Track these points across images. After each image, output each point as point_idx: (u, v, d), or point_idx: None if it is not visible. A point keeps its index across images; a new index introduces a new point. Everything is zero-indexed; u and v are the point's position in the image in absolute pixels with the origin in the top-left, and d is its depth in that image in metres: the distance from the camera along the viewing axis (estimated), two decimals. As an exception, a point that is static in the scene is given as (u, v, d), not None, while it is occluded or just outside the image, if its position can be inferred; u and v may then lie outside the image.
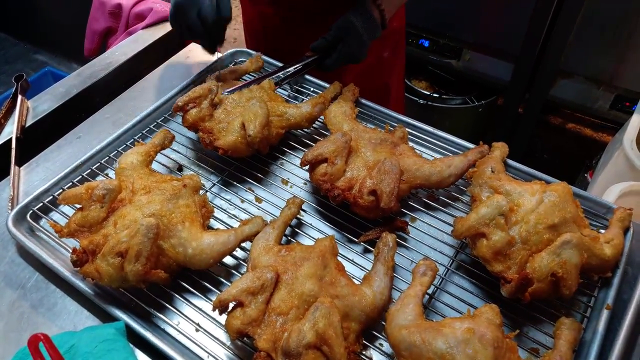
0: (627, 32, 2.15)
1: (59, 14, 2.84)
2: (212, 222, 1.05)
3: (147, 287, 0.90)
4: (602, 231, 0.98)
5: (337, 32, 1.26)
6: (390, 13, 1.33)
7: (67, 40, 2.78)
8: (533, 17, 2.21)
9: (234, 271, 0.98)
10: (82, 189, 0.95)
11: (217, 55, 1.37)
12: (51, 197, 1.08)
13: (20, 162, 1.20)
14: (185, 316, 0.91)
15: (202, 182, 1.05)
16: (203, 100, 1.15)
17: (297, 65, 1.31)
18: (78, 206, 0.96)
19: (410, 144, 1.17)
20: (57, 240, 1.01)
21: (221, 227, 1.05)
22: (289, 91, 1.37)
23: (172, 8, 1.20)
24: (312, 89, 1.36)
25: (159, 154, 1.13)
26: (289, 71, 1.31)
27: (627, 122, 1.79)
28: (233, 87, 1.22)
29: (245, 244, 0.98)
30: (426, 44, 2.63)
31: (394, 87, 1.74)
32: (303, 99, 1.33)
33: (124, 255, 0.86)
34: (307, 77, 1.36)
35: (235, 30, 4.04)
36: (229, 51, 1.46)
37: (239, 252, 0.99)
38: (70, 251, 0.90)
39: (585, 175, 2.26)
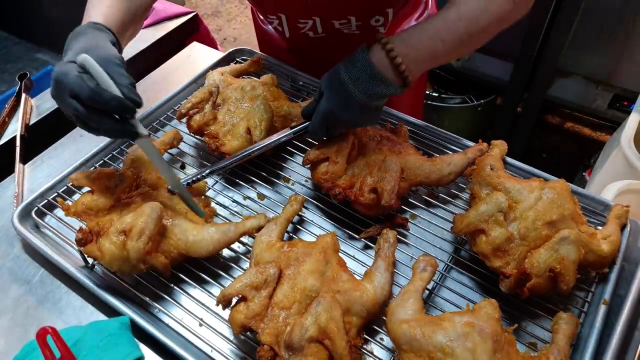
0: (624, 32, 2.16)
1: (61, 13, 2.84)
2: (215, 219, 1.06)
3: (147, 270, 0.90)
4: (600, 228, 0.99)
5: (320, 86, 0.99)
6: (417, 65, 0.92)
7: (68, 40, 2.78)
8: (532, 17, 2.23)
9: (236, 267, 0.99)
10: (95, 174, 0.99)
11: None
12: (55, 194, 1.09)
13: (24, 160, 1.22)
14: (189, 311, 0.92)
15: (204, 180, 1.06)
16: (205, 104, 1.16)
17: (282, 136, 1.07)
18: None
19: (411, 142, 1.18)
20: (62, 236, 1.02)
21: (224, 223, 1.07)
22: (289, 89, 1.38)
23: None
24: (311, 87, 1.37)
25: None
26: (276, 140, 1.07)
27: (624, 121, 1.80)
28: None
29: (247, 240, 1.00)
30: (426, 43, 2.64)
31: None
32: (303, 97, 1.34)
33: (127, 234, 0.87)
34: (305, 75, 1.37)
35: (235, 30, 4.05)
36: (229, 50, 1.47)
37: (240, 248, 1.01)
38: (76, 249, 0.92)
39: (584, 174, 2.27)
